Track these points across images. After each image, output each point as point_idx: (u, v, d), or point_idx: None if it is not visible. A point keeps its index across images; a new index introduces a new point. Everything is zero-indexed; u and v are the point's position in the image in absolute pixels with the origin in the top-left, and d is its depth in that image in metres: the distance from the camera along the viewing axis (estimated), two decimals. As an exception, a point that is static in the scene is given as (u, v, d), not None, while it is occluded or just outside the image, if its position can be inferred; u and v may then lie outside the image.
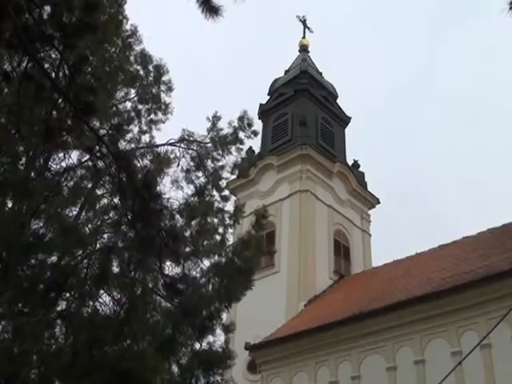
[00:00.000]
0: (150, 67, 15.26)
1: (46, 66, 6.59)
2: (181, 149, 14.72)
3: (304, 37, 37.91)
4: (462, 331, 16.31)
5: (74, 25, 6.10)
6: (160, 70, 15.36)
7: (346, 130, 34.31)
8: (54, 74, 6.71)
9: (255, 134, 15.42)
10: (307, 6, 39.78)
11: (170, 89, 15.60)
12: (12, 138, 8.96)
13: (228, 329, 12.84)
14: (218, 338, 11.87)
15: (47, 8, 6.26)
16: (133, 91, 15.08)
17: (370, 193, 32.11)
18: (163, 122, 15.47)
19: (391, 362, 17.71)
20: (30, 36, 5.97)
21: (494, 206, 61.80)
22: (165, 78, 15.48)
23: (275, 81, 35.54)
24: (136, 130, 14.88)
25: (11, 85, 7.06)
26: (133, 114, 14.96)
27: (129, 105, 15.06)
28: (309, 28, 38.12)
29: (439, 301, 16.87)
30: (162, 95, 15.51)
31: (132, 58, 14.79)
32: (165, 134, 15.49)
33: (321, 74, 36.06)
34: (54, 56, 6.66)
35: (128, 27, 14.67)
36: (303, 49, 37.30)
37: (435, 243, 23.35)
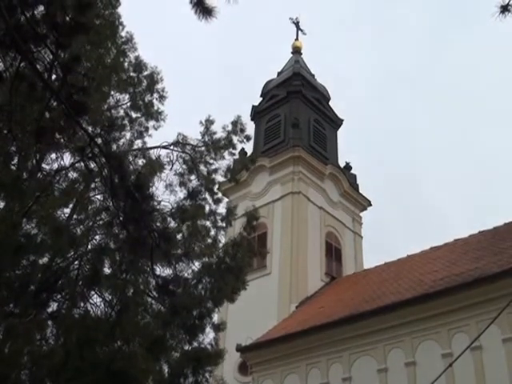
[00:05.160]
0: (144, 74, 15.28)
1: (39, 66, 6.56)
2: (174, 152, 14.72)
3: (297, 39, 38.00)
4: (453, 333, 16.34)
5: (68, 25, 6.09)
6: (154, 78, 15.37)
7: (339, 132, 34.40)
8: (46, 74, 6.69)
9: (248, 138, 15.46)
10: (300, 8, 39.97)
11: (163, 97, 15.61)
12: (4, 138, 8.93)
13: (218, 328, 12.85)
14: (207, 337, 11.90)
15: (40, 7, 6.25)
16: (126, 97, 15.09)
17: (361, 195, 32.17)
18: (155, 129, 15.49)
19: (382, 363, 17.72)
20: (22, 35, 5.95)
21: (485, 208, 62.12)
22: (158, 86, 15.51)
23: (268, 82, 35.58)
24: (128, 135, 14.89)
25: (3, 84, 7.03)
26: (126, 119, 14.96)
27: (122, 111, 15.07)
28: (302, 30, 38.24)
29: (430, 303, 16.89)
30: (155, 102, 15.54)
31: (126, 64, 14.81)
32: (159, 136, 15.53)
33: (313, 76, 36.14)
34: (46, 56, 6.64)
35: (123, 34, 14.71)
36: (296, 51, 37.35)
37: (427, 245, 23.49)
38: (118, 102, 14.97)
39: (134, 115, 15.21)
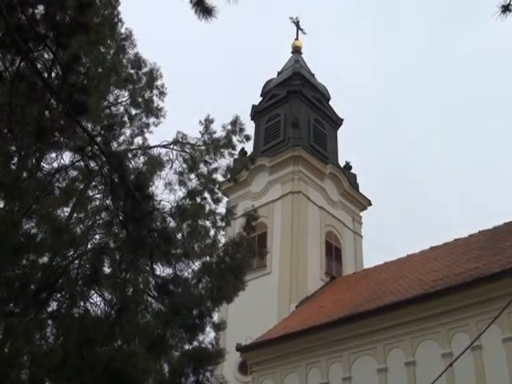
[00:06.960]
0: (144, 71, 15.27)
1: (39, 65, 6.56)
2: (174, 151, 14.73)
3: (297, 38, 37.95)
4: (453, 333, 16.34)
5: (68, 24, 6.09)
6: (153, 75, 15.37)
7: (339, 131, 34.39)
8: (46, 74, 6.69)
9: (247, 138, 15.46)
10: (300, 8, 40.04)
11: (162, 93, 15.62)
12: (4, 138, 8.93)
13: (219, 327, 12.84)
14: (208, 336, 11.89)
15: (40, 7, 6.25)
16: (126, 94, 15.09)
17: (361, 194, 32.16)
18: (156, 126, 15.50)
19: (382, 363, 17.72)
20: (22, 35, 5.95)
21: (485, 208, 62.12)
22: (158, 83, 15.51)
23: (268, 82, 35.56)
24: (128, 132, 14.89)
25: (3, 84, 7.03)
26: (125, 116, 14.96)
27: (121, 108, 15.07)
28: (302, 29, 38.21)
29: (430, 303, 16.89)
30: (155, 99, 15.54)
31: (125, 61, 14.80)
32: (159, 135, 15.54)
33: (313, 75, 36.11)
34: (46, 56, 6.64)
35: (123, 30, 14.70)
36: (296, 50, 37.31)
37: (427, 245, 23.48)
38: (118, 98, 14.98)
39: (133, 112, 15.24)
